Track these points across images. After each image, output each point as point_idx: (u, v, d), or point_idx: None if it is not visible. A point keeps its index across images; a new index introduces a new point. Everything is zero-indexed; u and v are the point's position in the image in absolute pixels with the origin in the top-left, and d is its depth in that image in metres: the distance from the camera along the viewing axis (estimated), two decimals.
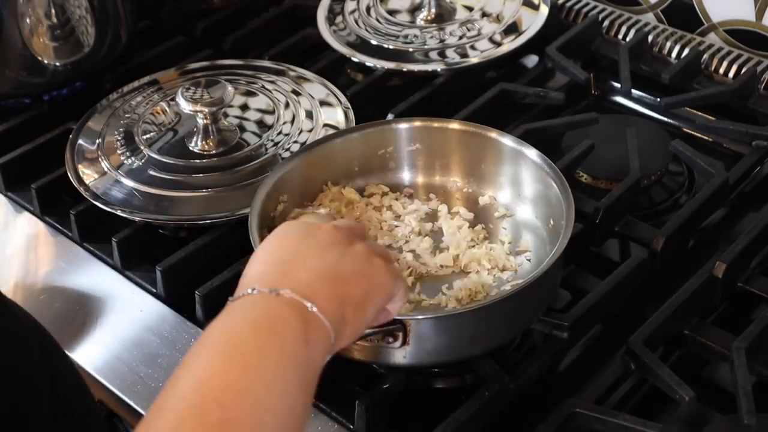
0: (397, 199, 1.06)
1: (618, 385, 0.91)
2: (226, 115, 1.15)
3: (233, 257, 1.02)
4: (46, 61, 1.24)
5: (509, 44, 1.28)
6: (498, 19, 1.32)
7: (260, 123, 1.16)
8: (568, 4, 1.36)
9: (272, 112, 1.17)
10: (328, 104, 1.18)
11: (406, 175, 1.07)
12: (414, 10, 1.36)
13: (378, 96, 1.25)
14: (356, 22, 1.34)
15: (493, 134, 1.03)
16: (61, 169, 1.13)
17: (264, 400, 0.65)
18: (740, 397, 0.84)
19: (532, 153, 1.00)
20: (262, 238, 0.93)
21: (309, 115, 1.17)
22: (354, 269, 0.77)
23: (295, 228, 0.82)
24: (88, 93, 1.28)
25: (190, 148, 1.13)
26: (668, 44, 1.28)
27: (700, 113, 1.21)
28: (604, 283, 0.97)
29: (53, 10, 1.21)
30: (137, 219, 1.06)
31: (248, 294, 0.72)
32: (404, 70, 1.26)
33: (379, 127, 1.06)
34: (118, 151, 1.14)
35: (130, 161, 1.12)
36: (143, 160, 1.12)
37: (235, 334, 0.69)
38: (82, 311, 1.04)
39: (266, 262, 0.77)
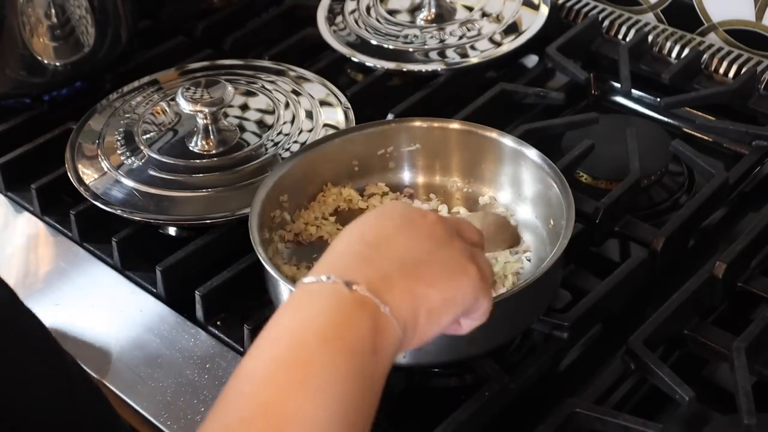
0: (397, 199, 1.06)
1: (618, 385, 0.91)
2: (226, 115, 1.15)
3: (233, 257, 1.02)
4: (46, 61, 1.24)
5: (509, 44, 1.28)
6: (498, 19, 1.32)
7: (260, 123, 1.16)
8: (568, 4, 1.36)
9: (272, 112, 1.17)
10: (328, 104, 1.18)
11: (406, 175, 1.07)
12: (414, 10, 1.35)
13: (378, 96, 1.25)
14: (356, 22, 1.34)
15: (493, 134, 1.03)
16: (61, 169, 1.13)
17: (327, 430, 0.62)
18: (740, 397, 0.84)
19: (532, 153, 1.00)
20: (262, 238, 0.94)
21: (309, 115, 1.17)
22: (441, 271, 0.71)
23: (398, 210, 0.75)
24: (88, 93, 1.28)
25: (190, 148, 1.13)
26: (668, 44, 1.28)
27: (700, 113, 1.21)
28: (604, 283, 0.97)
29: (53, 10, 1.21)
30: (137, 219, 1.06)
31: (322, 281, 0.68)
32: (404, 70, 1.26)
33: (379, 127, 1.06)
34: (118, 151, 1.14)
35: (130, 161, 1.12)
36: (143, 160, 1.12)
37: (302, 345, 0.64)
38: (82, 311, 1.04)
39: (355, 240, 0.72)
